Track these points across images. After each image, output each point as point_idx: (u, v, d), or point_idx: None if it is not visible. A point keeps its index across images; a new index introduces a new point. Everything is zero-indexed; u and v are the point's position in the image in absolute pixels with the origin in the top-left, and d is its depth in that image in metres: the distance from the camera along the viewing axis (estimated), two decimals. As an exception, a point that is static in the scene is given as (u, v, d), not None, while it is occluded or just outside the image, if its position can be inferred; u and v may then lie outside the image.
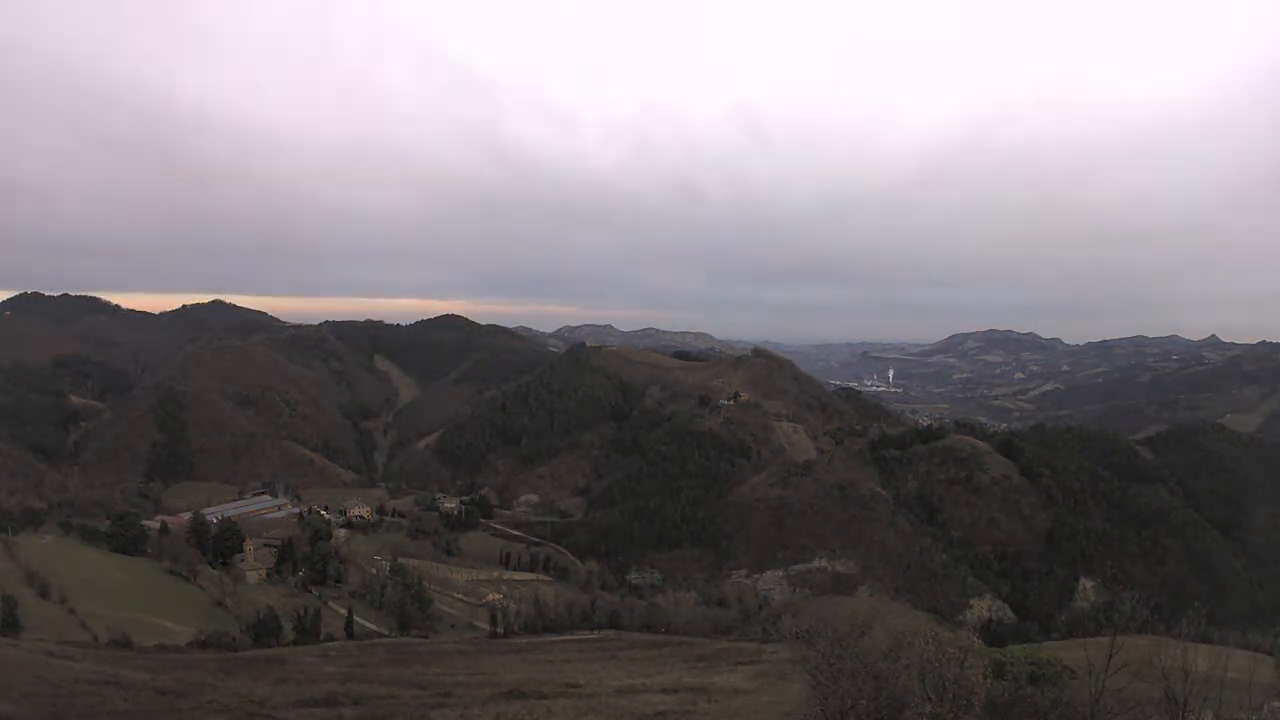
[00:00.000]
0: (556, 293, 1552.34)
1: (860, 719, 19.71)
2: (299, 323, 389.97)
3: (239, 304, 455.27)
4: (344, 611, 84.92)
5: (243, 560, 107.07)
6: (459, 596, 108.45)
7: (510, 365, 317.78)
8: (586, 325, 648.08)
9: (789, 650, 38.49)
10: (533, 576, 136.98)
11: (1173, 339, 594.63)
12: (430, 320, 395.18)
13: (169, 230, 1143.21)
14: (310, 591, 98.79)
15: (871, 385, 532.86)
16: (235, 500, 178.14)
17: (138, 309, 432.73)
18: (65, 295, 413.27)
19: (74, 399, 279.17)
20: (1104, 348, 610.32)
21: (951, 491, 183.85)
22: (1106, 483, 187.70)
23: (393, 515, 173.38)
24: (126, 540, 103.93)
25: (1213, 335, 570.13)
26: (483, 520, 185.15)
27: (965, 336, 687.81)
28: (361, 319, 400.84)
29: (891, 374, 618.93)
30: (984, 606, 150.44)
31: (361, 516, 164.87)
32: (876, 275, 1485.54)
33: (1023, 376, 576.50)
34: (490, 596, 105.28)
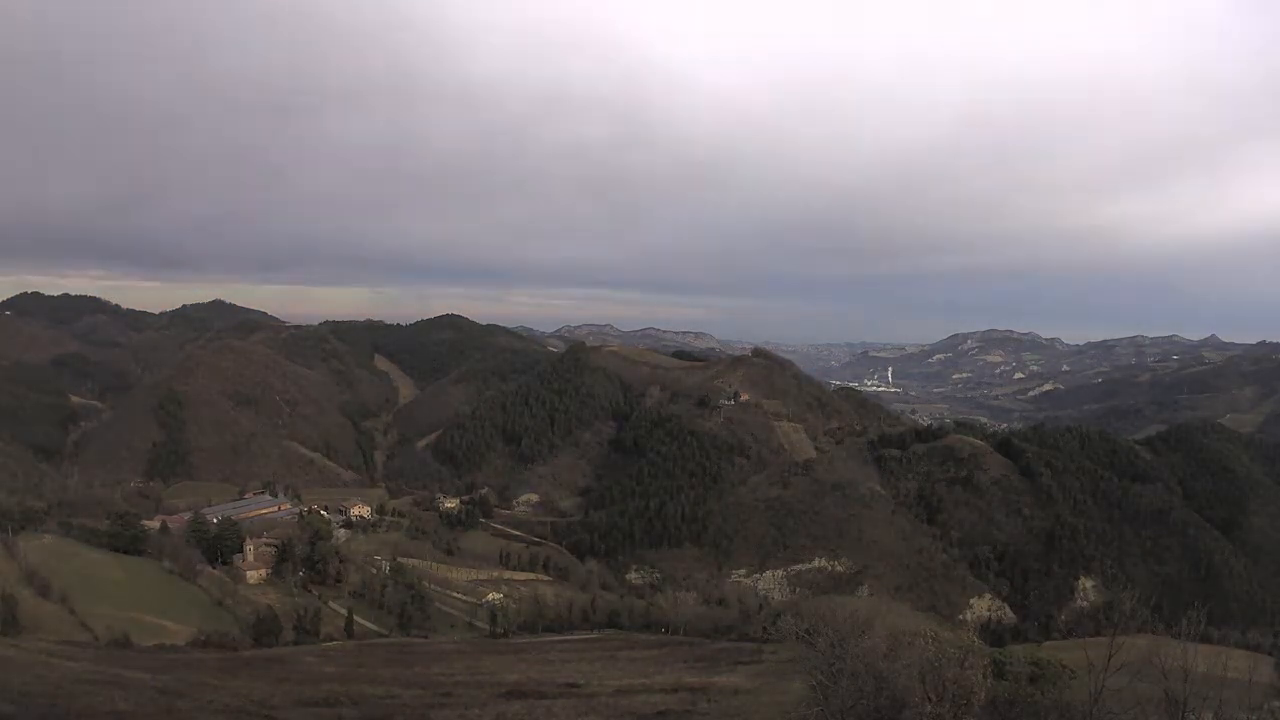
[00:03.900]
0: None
1: (860, 719, 19.71)
2: (299, 323, 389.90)
3: (239, 304, 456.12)
4: (344, 611, 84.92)
5: (243, 560, 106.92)
6: (459, 596, 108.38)
7: (510, 365, 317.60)
8: (586, 325, 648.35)
9: (789, 650, 38.53)
10: (532, 576, 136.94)
11: (1173, 339, 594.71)
12: (430, 320, 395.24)
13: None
14: (310, 591, 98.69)
15: (871, 385, 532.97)
16: (235, 500, 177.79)
17: (138, 309, 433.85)
18: (65, 295, 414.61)
19: (74, 399, 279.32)
20: (1104, 348, 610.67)
21: (951, 491, 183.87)
22: (1106, 483, 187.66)
23: (393, 515, 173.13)
24: (126, 540, 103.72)
25: (1213, 335, 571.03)
26: (482, 520, 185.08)
27: (965, 336, 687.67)
28: (362, 319, 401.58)
29: (891, 374, 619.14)
30: (984, 606, 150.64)
31: (361, 516, 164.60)
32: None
33: (1023, 376, 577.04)
34: (490, 596, 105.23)
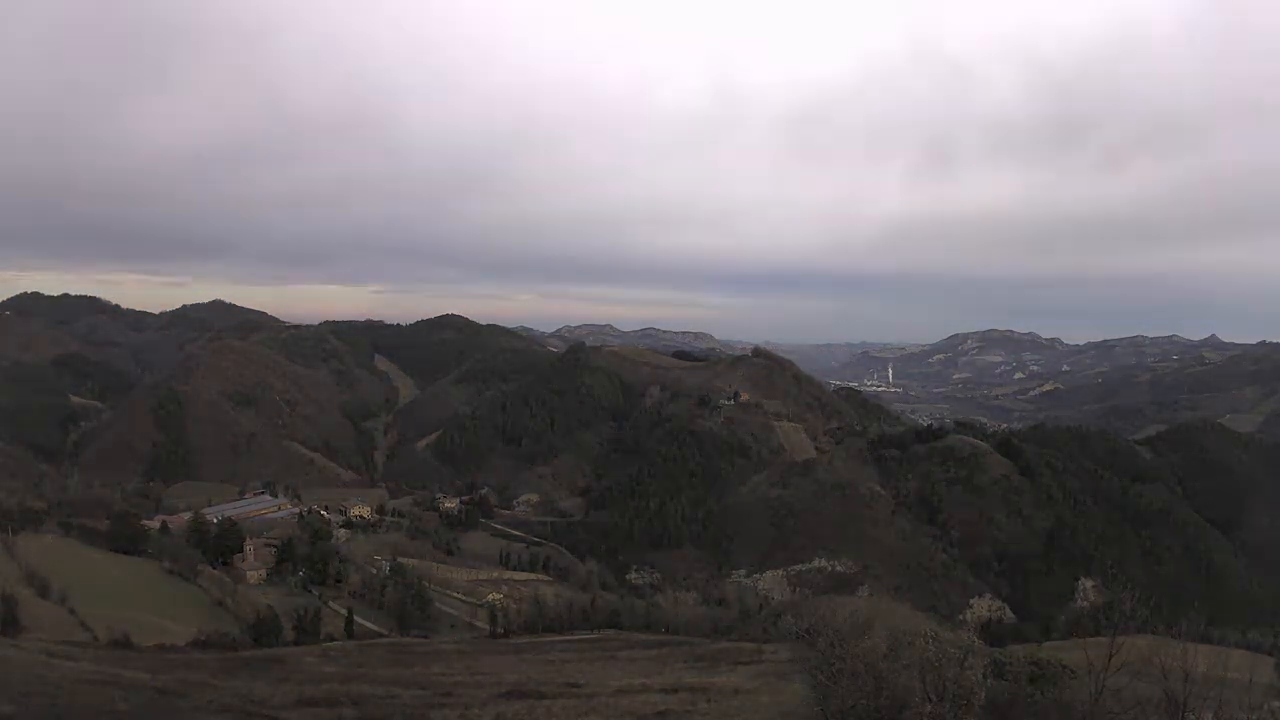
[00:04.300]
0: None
1: (860, 719, 19.71)
2: (299, 323, 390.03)
3: (239, 304, 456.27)
4: (344, 611, 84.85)
5: (243, 560, 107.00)
6: (459, 596, 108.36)
7: (510, 365, 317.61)
8: (586, 325, 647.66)
9: (789, 650, 38.59)
10: (533, 576, 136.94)
11: (1173, 339, 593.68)
12: (430, 320, 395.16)
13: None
14: (310, 591, 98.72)
15: (871, 385, 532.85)
16: (235, 500, 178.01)
17: (138, 309, 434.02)
18: (65, 295, 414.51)
19: (74, 399, 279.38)
20: (1104, 348, 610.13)
21: (951, 491, 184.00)
22: (1106, 482, 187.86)
23: (393, 515, 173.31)
24: (126, 540, 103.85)
25: (1213, 335, 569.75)
26: (483, 520, 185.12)
27: (965, 336, 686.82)
28: (362, 319, 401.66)
29: (891, 374, 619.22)
30: (984, 606, 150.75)
31: (361, 516, 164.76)
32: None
33: (1023, 376, 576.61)
34: (490, 596, 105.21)
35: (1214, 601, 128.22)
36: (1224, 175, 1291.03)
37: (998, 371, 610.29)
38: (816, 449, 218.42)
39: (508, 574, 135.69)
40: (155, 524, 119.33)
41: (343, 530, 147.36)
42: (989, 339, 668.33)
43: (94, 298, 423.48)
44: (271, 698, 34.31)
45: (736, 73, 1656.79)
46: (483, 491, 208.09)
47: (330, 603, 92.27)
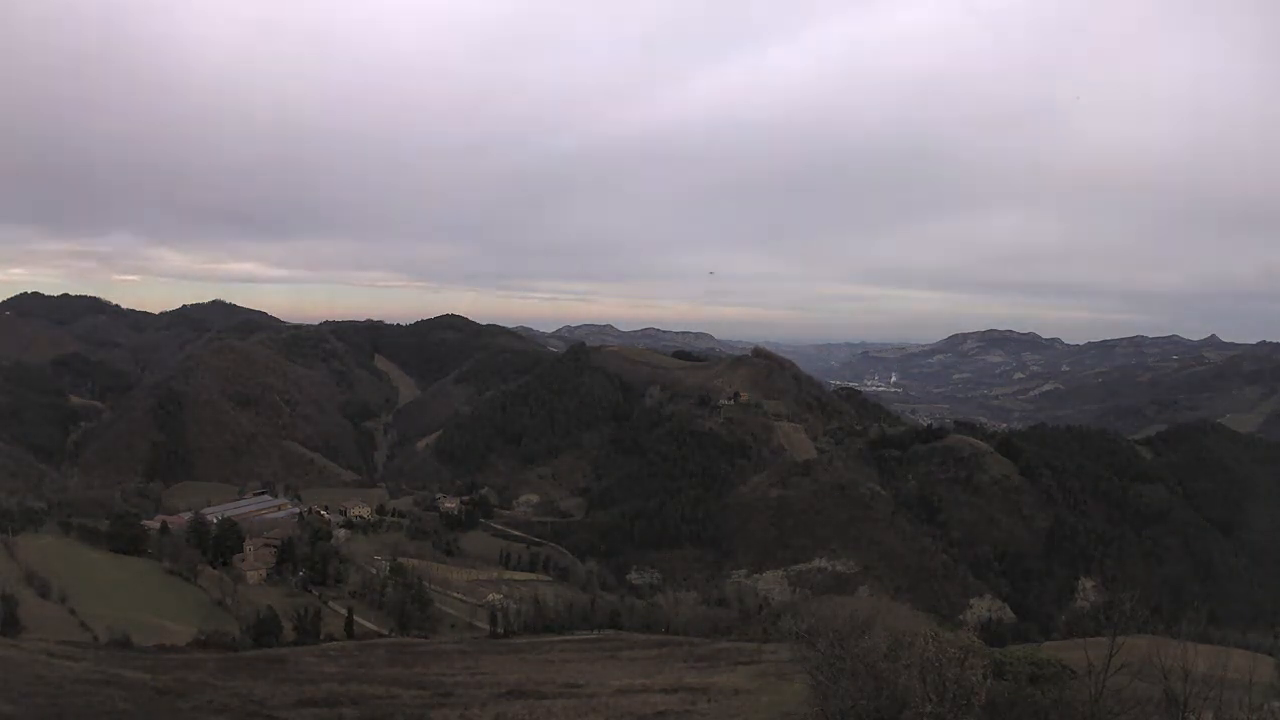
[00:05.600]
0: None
1: (860, 719, 19.71)
2: (299, 323, 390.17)
3: (239, 304, 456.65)
4: (344, 611, 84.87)
5: (243, 560, 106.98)
6: (459, 596, 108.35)
7: (510, 365, 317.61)
8: (586, 325, 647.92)
9: (789, 650, 38.55)
10: (533, 576, 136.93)
11: (1173, 339, 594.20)
12: (430, 320, 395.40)
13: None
14: (310, 591, 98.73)
15: (871, 385, 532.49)
16: (235, 500, 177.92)
17: (138, 309, 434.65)
18: (65, 295, 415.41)
19: (74, 399, 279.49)
20: (1104, 348, 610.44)
21: (951, 491, 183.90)
22: (1106, 483, 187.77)
23: (393, 515, 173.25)
24: (126, 540, 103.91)
25: (1213, 335, 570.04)
26: (483, 520, 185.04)
27: (965, 336, 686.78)
28: (362, 319, 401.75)
29: (892, 374, 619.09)
30: (984, 606, 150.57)
31: (361, 516, 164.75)
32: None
33: (1023, 376, 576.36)
34: (490, 596, 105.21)
35: (1214, 601, 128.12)
36: None
37: (998, 371, 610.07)
38: (816, 449, 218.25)
39: (508, 574, 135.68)
40: (155, 524, 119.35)
41: (343, 530, 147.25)
42: (989, 339, 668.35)
43: (94, 298, 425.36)
44: (271, 698, 34.34)
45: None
46: (483, 491, 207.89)
47: (330, 603, 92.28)
